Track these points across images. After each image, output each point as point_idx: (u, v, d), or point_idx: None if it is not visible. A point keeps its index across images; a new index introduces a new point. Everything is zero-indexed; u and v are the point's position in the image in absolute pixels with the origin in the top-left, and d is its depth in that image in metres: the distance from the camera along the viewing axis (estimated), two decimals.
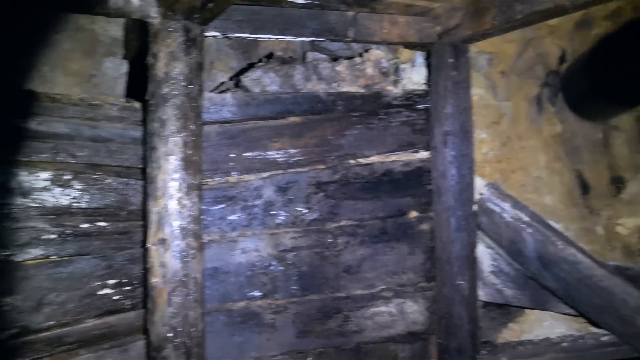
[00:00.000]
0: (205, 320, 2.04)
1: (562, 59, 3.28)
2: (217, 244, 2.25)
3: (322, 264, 2.39)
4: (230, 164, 2.27)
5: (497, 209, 2.53)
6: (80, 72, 2.37)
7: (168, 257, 1.90)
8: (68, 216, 2.00)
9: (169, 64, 1.90)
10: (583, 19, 3.15)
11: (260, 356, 2.32)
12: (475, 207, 2.53)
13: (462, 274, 2.47)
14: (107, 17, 2.17)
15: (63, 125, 1.98)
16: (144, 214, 1.99)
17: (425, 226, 2.55)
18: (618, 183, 3.47)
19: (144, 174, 1.98)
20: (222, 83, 2.47)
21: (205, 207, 2.17)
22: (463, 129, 2.45)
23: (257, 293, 2.30)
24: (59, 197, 1.98)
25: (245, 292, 2.29)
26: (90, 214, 2.05)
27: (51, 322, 1.93)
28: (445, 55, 2.42)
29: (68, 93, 2.06)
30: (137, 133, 2.12)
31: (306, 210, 2.38)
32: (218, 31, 2.16)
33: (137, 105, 2.14)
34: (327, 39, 2.36)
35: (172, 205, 1.91)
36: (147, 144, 1.96)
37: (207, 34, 2.10)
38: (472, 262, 2.51)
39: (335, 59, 2.55)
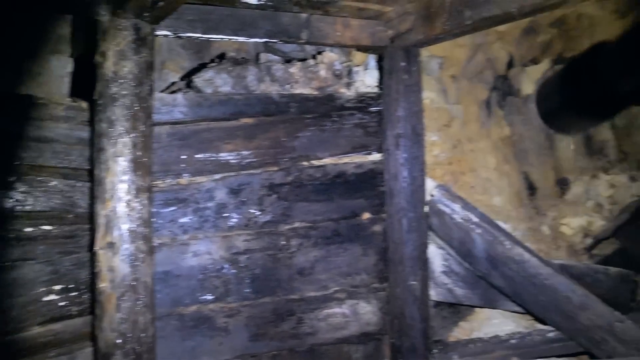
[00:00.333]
0: (156, 325, 2.00)
1: (510, 64, 3.37)
2: (168, 247, 2.21)
3: (275, 266, 2.38)
4: (182, 165, 2.24)
5: (447, 210, 2.58)
6: (24, 70, 2.29)
7: (117, 261, 1.85)
8: (11, 220, 1.92)
9: (118, 63, 1.86)
10: (529, 26, 3.26)
11: None
12: (426, 209, 2.57)
13: (414, 275, 2.50)
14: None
15: (6, 124, 1.91)
16: (91, 217, 1.93)
17: (377, 227, 2.57)
18: (563, 184, 3.60)
19: (92, 175, 1.92)
20: (174, 83, 2.42)
21: (155, 210, 2.13)
22: (415, 131, 2.49)
23: (209, 296, 2.27)
24: (1, 200, 1.90)
25: (197, 295, 2.26)
26: (35, 217, 1.98)
27: None
28: (398, 58, 2.45)
29: (11, 91, 1.98)
30: (84, 133, 2.06)
31: (259, 213, 2.36)
32: (169, 30, 2.13)
33: (84, 105, 2.08)
34: (281, 41, 2.36)
35: (121, 208, 1.86)
36: (94, 145, 1.90)
37: (158, 33, 2.07)
38: (423, 262, 2.54)
39: (288, 60, 2.55)
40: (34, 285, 1.95)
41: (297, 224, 2.43)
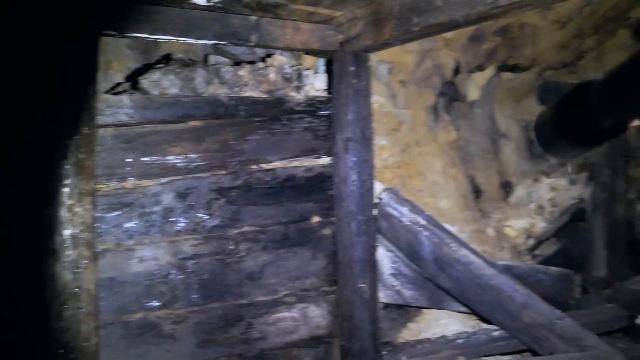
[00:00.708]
0: (100, 333, 1.94)
1: (456, 71, 3.45)
2: (112, 253, 2.15)
3: (224, 271, 2.35)
4: (127, 169, 2.18)
5: (395, 213, 2.62)
6: None
7: (58, 268, 1.79)
8: None
9: None
10: (475, 33, 3.35)
11: None
12: (375, 212, 2.59)
13: (363, 277, 2.52)
14: None
15: None
16: None
17: (327, 231, 2.58)
18: (507, 187, 3.72)
19: None
20: (119, 84, 2.36)
21: (99, 215, 2.07)
22: (364, 135, 2.51)
23: (155, 303, 2.22)
24: None
25: (143, 302, 2.20)
26: None
27: None
28: (347, 63, 2.47)
29: None
30: None
31: (207, 217, 2.33)
32: (115, 30, 2.07)
33: None
34: (230, 43, 2.32)
35: (63, 212, 1.80)
36: None
37: (103, 32, 2.01)
38: (372, 265, 2.57)
39: (238, 63, 2.53)
40: None
41: (246, 228, 2.41)
